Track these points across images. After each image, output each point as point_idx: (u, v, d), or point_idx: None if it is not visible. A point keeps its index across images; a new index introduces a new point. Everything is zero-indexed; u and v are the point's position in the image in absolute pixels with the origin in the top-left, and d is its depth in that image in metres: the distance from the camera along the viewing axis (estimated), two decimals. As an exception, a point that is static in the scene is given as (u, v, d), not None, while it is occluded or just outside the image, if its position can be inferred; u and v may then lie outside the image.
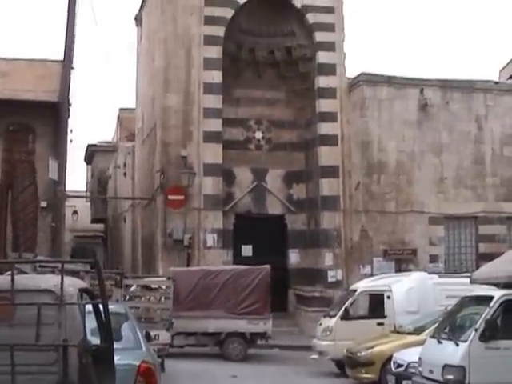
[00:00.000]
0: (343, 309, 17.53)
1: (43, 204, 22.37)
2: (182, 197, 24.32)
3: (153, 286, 18.69)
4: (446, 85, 27.02)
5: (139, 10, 32.28)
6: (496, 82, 29.92)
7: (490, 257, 17.95)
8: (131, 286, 18.22)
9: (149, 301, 18.53)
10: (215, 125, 24.92)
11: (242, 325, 19.38)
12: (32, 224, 22.54)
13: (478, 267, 21.11)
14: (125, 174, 35.35)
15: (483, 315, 10.94)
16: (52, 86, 22.43)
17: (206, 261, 23.98)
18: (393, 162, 26.00)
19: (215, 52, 25.05)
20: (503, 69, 36.88)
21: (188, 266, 23.28)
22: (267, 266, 19.76)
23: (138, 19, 32.61)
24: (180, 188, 24.35)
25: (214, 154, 24.82)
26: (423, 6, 78.81)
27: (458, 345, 11.07)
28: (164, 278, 19.56)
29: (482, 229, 26.46)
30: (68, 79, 22.42)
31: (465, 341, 10.98)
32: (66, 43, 22.44)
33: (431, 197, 26.20)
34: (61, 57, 22.40)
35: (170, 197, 24.44)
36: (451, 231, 26.61)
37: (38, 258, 18.23)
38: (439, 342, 11.64)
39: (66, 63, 22.35)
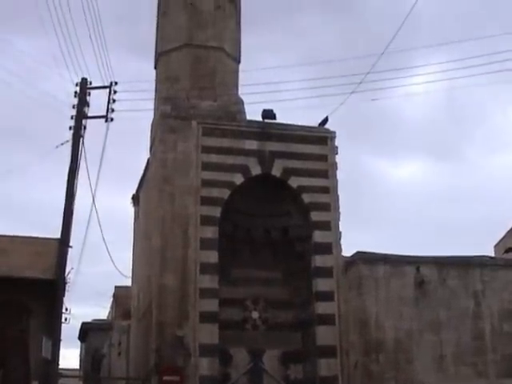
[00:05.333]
0: None
1: (35, 383, 21.96)
2: (177, 377, 23.83)
3: None
4: (441, 262, 27.22)
5: (136, 191, 32.90)
6: (491, 258, 30.17)
7: None
8: None
9: None
10: (211, 305, 24.66)
11: None
12: (23, 405, 22.05)
13: None
14: (119, 353, 34.87)
15: None
16: (48, 264, 22.55)
17: None
18: (391, 341, 25.75)
19: (211, 232, 25.20)
20: (498, 244, 37.32)
21: None
22: None
23: (135, 199, 33.20)
24: (175, 368, 23.89)
25: (210, 334, 24.42)
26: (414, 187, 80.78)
27: None
28: None
29: (486, 407, 25.95)
30: (64, 257, 22.58)
31: None
32: (63, 221, 22.76)
33: (431, 375, 25.84)
34: (58, 233, 22.63)
35: (165, 377, 23.92)
36: (453, 410, 26.03)
37: None
38: None
39: (63, 241, 22.57)
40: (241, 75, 29.82)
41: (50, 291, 22.01)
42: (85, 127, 24.52)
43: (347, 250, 26.66)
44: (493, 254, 35.11)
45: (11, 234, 23.87)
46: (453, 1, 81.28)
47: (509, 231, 37.04)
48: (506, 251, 35.07)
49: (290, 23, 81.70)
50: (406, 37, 25.12)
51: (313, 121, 27.72)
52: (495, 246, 37.64)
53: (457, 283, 27.09)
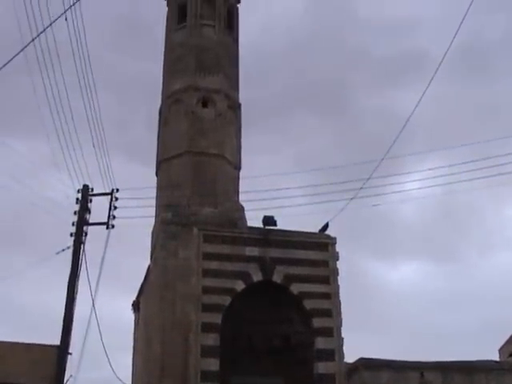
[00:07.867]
0: None
1: None
2: None
3: None
4: (445, 366, 26.88)
5: (137, 297, 32.71)
6: (497, 362, 29.80)
7: None
8: None
9: None
10: (212, 412, 24.30)
11: None
12: None
13: None
14: None
15: None
16: (47, 371, 22.27)
17: None
18: None
19: (212, 339, 24.93)
20: (502, 347, 36.83)
21: None
22: None
23: (136, 305, 32.96)
24: None
25: None
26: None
27: None
28: None
29: None
30: (63, 365, 22.24)
31: None
32: (63, 328, 22.50)
33: None
34: (57, 338, 22.36)
35: None
36: None
37: None
38: None
39: (62, 349, 22.26)
40: (241, 181, 30.04)
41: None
42: (86, 234, 24.40)
43: (350, 356, 26.38)
44: (497, 358, 34.66)
45: (10, 339, 23.67)
46: (448, 106, 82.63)
47: (513, 334, 36.65)
48: (511, 355, 34.60)
49: (287, 126, 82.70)
50: (403, 141, 25.43)
51: (314, 227, 27.84)
52: (499, 350, 37.12)
53: (462, 389, 26.66)
